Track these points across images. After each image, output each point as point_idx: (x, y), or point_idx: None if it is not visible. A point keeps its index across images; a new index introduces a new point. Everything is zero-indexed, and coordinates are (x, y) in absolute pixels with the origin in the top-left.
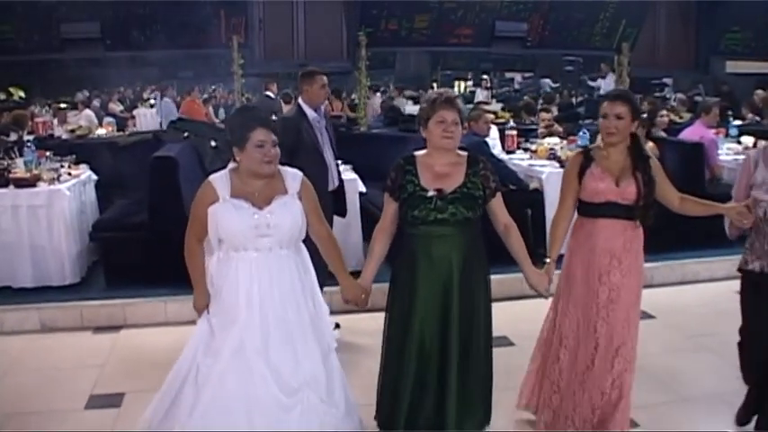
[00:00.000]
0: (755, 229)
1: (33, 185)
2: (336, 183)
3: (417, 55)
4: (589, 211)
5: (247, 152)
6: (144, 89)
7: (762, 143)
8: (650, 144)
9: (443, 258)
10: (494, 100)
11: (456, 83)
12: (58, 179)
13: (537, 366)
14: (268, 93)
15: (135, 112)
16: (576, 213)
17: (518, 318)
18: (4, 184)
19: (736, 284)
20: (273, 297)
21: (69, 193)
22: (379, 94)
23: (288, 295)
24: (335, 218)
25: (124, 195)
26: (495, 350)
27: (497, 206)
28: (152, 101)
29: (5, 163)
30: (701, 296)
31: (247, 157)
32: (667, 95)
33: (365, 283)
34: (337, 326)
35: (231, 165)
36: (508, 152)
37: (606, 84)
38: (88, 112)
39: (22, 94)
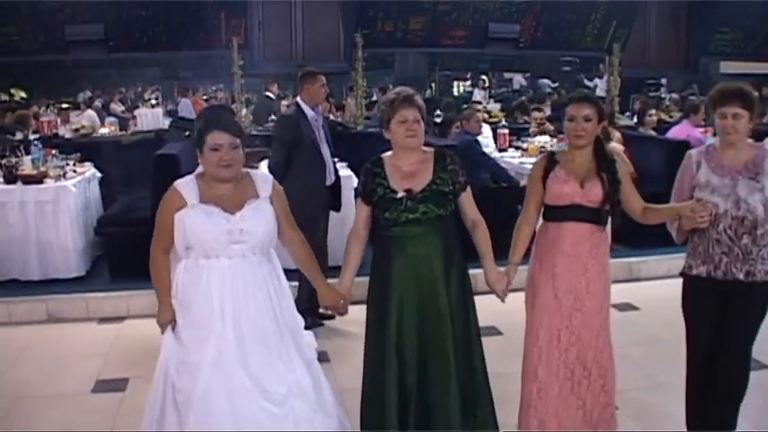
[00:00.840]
0: (698, 234)
1: (40, 182)
2: (333, 178)
3: (415, 56)
4: (554, 214)
5: (204, 155)
6: (145, 90)
7: (714, 141)
8: (617, 135)
9: (420, 258)
10: (491, 100)
11: (455, 83)
12: (63, 176)
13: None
14: (268, 93)
15: (136, 112)
16: (540, 219)
17: (507, 309)
18: (12, 181)
19: None
20: (249, 306)
21: (75, 189)
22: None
23: (264, 303)
24: (331, 213)
25: (127, 192)
26: (483, 339)
27: (466, 201)
28: (153, 101)
29: (13, 160)
30: None
31: (204, 161)
32: (662, 95)
33: (344, 289)
34: (321, 324)
35: (199, 168)
36: (500, 150)
37: (603, 83)
38: (90, 112)
39: (23, 94)
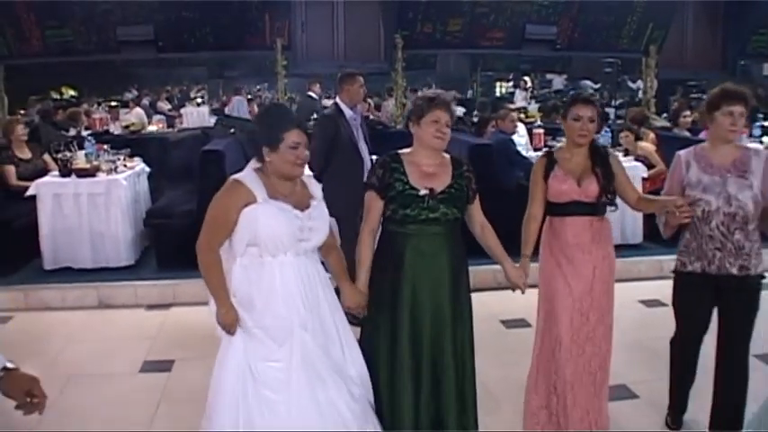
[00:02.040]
0: (692, 230)
1: (93, 175)
2: None
3: (457, 56)
4: (556, 210)
5: (281, 153)
6: (191, 89)
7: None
8: (650, 135)
9: (433, 256)
10: (533, 101)
11: (497, 84)
12: (115, 170)
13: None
14: (310, 93)
15: (182, 111)
16: (546, 214)
17: (535, 303)
18: (67, 174)
19: None
20: (316, 300)
21: (125, 182)
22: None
23: (323, 298)
24: None
25: (174, 186)
26: (514, 330)
27: (476, 207)
28: (198, 100)
29: (68, 155)
30: None
31: (280, 158)
32: (703, 97)
33: (363, 288)
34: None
35: (254, 165)
36: (535, 149)
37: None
38: (138, 110)
39: (72, 92)
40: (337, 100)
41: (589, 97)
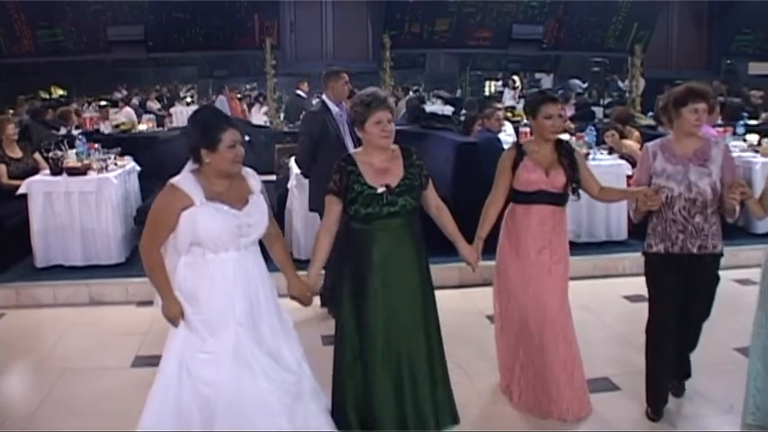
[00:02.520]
0: (657, 215)
1: (84, 174)
2: None
3: (446, 56)
4: (522, 198)
5: (220, 153)
6: (180, 88)
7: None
8: (635, 134)
9: (398, 247)
10: (522, 100)
11: (486, 83)
12: (106, 169)
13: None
14: (299, 92)
15: (172, 110)
16: (508, 203)
17: None
18: (58, 173)
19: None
20: (256, 292)
21: (116, 181)
22: (411, 93)
23: (263, 289)
24: None
25: (164, 184)
26: None
27: (430, 192)
28: (188, 99)
29: (59, 154)
30: None
31: (220, 158)
32: None
33: (312, 281)
34: None
35: (190, 167)
36: None
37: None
38: (128, 109)
39: (61, 92)
40: (323, 97)
41: (556, 96)
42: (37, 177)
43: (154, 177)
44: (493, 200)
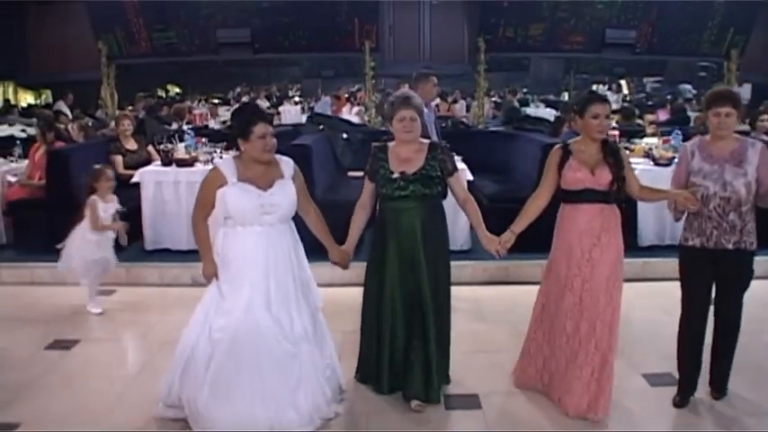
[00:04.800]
0: (694, 212)
1: (191, 165)
2: None
3: (550, 59)
4: (571, 197)
5: (251, 143)
6: (289, 87)
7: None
8: None
9: (408, 225)
10: (627, 104)
11: (593, 86)
12: (211, 161)
13: (530, 345)
14: (389, 92)
15: (281, 109)
16: (558, 202)
17: None
18: (168, 164)
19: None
20: (275, 264)
21: None
22: (509, 95)
23: (285, 263)
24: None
25: None
26: None
27: (455, 184)
28: (296, 98)
29: (169, 147)
30: None
31: (251, 147)
32: None
33: (348, 247)
34: None
35: (233, 153)
36: None
37: (744, 91)
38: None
39: (177, 90)
40: None
41: (604, 96)
42: (149, 168)
43: None
44: (537, 196)
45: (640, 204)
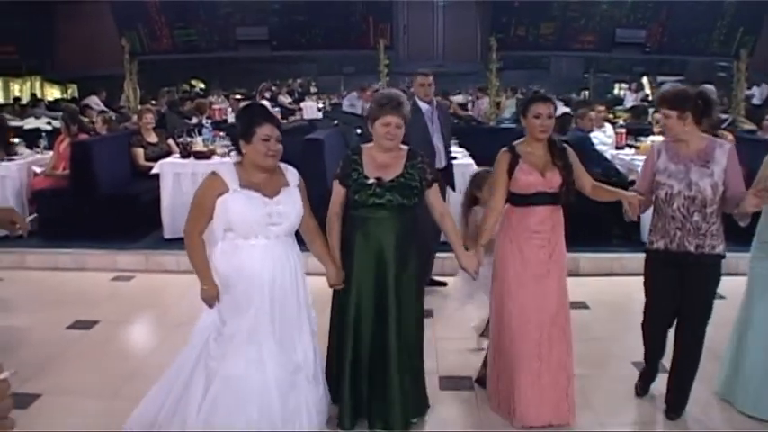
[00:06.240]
0: (658, 211)
1: (209, 158)
2: (444, 163)
3: (570, 58)
4: (521, 200)
5: (253, 145)
6: (311, 83)
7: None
8: (729, 137)
9: (378, 238)
10: (645, 104)
11: (615, 85)
12: (228, 154)
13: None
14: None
15: (302, 104)
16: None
17: (600, 290)
18: (187, 156)
19: None
20: (282, 282)
21: None
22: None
23: (290, 279)
24: (453, 195)
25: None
26: (572, 312)
27: (434, 196)
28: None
29: (188, 140)
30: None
31: (253, 150)
32: None
33: (337, 264)
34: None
35: (234, 158)
36: (617, 148)
37: (760, 92)
38: (262, 103)
39: (202, 85)
40: (414, 97)
41: (546, 95)
42: (168, 160)
43: None
44: (494, 207)
45: None
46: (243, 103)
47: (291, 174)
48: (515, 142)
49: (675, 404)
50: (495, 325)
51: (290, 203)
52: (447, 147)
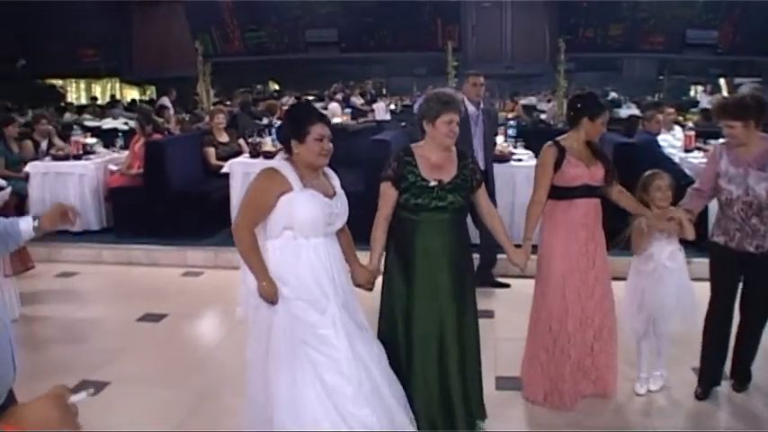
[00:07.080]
0: (722, 209)
1: None
2: (483, 166)
3: (643, 60)
4: (566, 194)
5: (307, 145)
6: (383, 85)
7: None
8: None
9: (439, 242)
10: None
11: (692, 87)
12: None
13: (534, 353)
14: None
15: (374, 105)
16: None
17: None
18: (256, 156)
19: None
20: (339, 275)
21: None
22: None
23: (345, 274)
24: (502, 200)
25: (349, 170)
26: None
27: (482, 196)
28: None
29: (258, 140)
30: None
31: (306, 150)
32: None
33: (375, 266)
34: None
35: (282, 156)
36: (686, 150)
37: None
38: (334, 104)
39: (276, 87)
40: (463, 97)
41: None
42: (238, 159)
43: (342, 163)
44: (537, 200)
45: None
46: (318, 105)
47: (334, 177)
48: (558, 138)
49: (741, 377)
50: (537, 320)
51: (343, 205)
52: (488, 151)
